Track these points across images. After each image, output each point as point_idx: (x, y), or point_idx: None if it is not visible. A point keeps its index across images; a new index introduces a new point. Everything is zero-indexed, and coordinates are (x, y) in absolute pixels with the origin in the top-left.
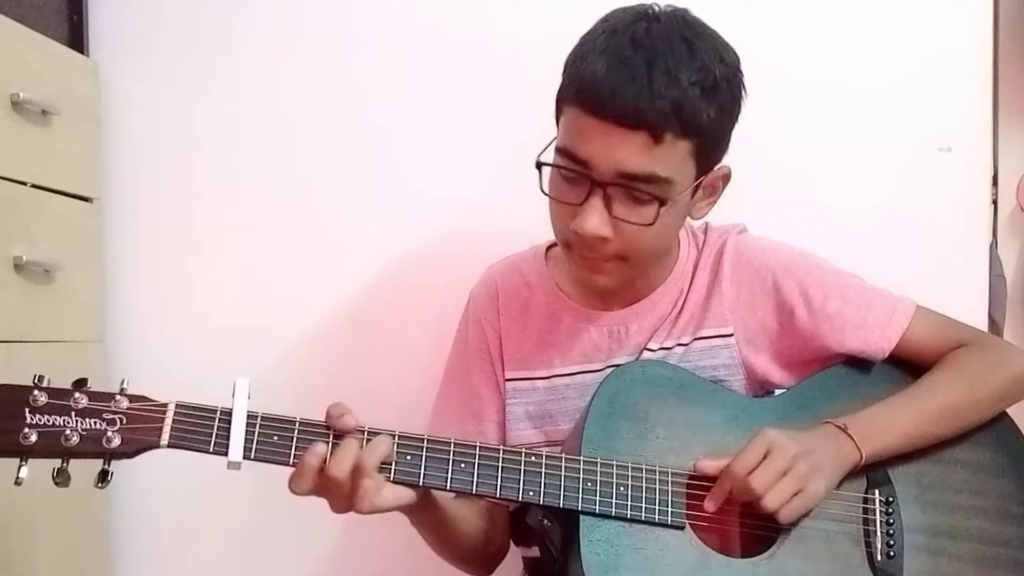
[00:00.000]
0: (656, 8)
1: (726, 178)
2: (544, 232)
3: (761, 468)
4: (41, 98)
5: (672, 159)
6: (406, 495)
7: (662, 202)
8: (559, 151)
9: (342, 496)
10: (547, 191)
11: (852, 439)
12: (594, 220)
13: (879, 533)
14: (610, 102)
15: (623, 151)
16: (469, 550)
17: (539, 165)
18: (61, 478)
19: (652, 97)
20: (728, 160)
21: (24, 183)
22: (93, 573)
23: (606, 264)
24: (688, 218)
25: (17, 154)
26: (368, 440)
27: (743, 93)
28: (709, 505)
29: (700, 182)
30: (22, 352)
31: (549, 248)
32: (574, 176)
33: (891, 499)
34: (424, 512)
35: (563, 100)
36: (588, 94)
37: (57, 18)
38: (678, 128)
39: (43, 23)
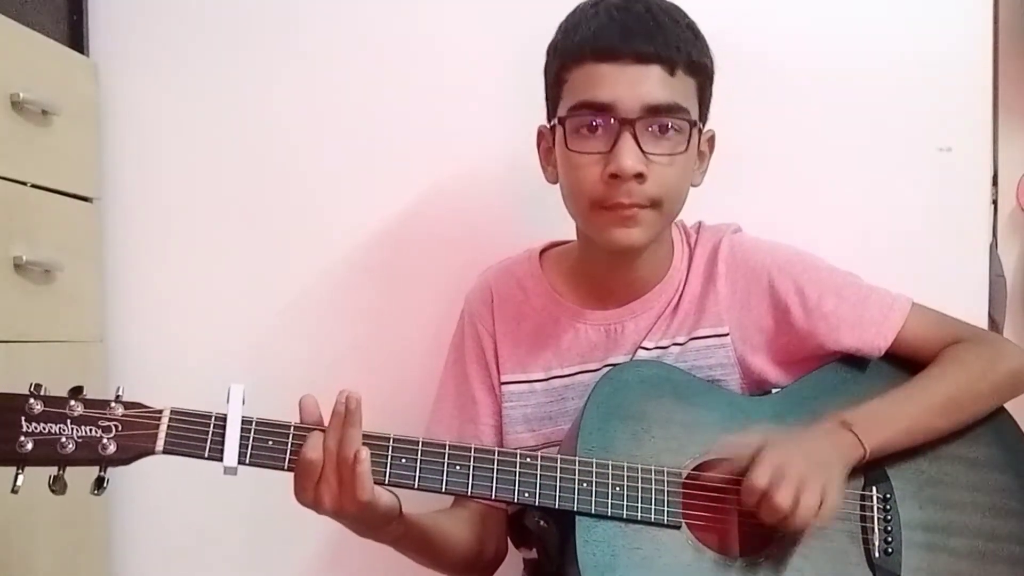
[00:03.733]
0: None
1: (712, 142)
2: (540, 236)
3: (781, 490)
4: (41, 98)
5: (686, 93)
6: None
7: (692, 124)
8: (576, 108)
9: (336, 477)
10: (572, 147)
11: (855, 435)
12: (631, 156)
13: (877, 530)
14: (624, 43)
15: (645, 85)
16: (462, 562)
17: (561, 120)
18: (57, 486)
19: (663, 34)
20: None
21: (24, 183)
22: (93, 575)
23: (641, 213)
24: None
25: (17, 154)
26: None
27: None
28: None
29: (700, 131)
30: (22, 352)
31: (543, 251)
32: (599, 124)
33: (889, 496)
34: (407, 538)
35: (566, 68)
36: (600, 43)
37: (57, 18)
38: (686, 63)
39: (43, 23)
